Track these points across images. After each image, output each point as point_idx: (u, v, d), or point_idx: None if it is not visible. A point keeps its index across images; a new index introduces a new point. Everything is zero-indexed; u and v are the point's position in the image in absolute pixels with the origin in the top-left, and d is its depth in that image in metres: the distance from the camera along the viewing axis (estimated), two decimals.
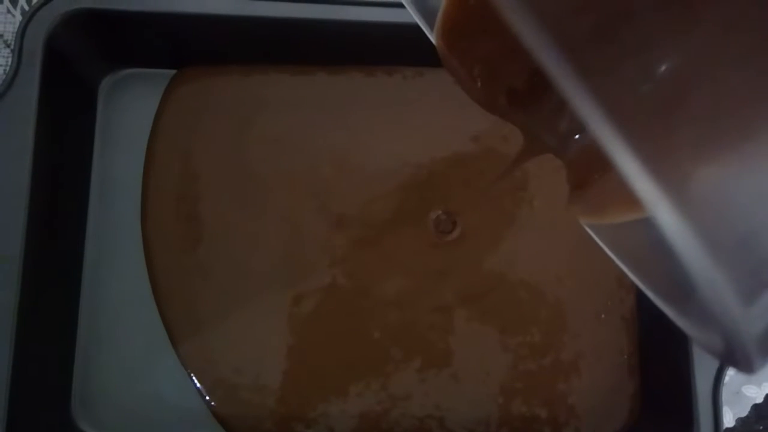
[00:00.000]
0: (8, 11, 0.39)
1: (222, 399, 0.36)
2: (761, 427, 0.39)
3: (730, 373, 0.38)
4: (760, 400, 0.39)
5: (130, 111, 0.39)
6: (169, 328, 0.37)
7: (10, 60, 0.33)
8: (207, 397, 0.36)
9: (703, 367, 0.34)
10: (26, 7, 0.39)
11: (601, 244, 0.21)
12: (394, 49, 0.38)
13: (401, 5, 0.22)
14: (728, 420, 0.38)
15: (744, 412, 0.39)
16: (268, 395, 0.36)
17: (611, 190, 0.20)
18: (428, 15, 0.21)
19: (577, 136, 0.22)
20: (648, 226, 0.20)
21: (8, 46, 0.39)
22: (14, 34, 0.33)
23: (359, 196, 0.39)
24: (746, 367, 0.14)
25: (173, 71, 0.40)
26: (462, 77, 0.22)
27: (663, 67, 0.13)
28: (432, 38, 0.21)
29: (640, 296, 0.39)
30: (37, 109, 0.33)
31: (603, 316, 0.38)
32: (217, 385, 0.36)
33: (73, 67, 0.37)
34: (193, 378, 0.36)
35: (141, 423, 0.36)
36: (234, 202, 0.38)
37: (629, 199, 0.20)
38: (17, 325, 0.31)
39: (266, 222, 0.38)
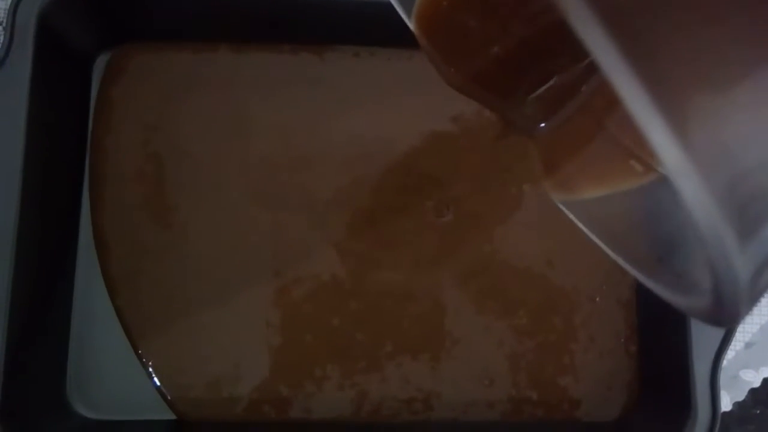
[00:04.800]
0: None
1: (183, 389, 0.36)
2: (758, 411, 0.39)
3: (728, 358, 0.38)
4: (757, 384, 0.39)
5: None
6: (124, 323, 0.36)
7: (2, 38, 0.32)
8: (166, 392, 0.36)
9: (701, 352, 0.33)
10: None
11: (573, 218, 0.22)
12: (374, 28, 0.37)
13: None
14: (725, 404, 0.38)
15: (741, 397, 0.39)
16: (235, 382, 0.36)
17: (582, 167, 0.22)
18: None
19: (543, 124, 0.23)
20: (618, 198, 0.21)
21: (0, 23, 0.38)
22: (6, 12, 0.32)
23: (333, 180, 0.38)
24: (731, 317, 0.15)
25: (173, 46, 0.39)
26: (438, 61, 0.22)
27: None
28: (408, 22, 0.22)
29: (638, 280, 0.38)
30: (30, 87, 0.32)
31: (598, 299, 0.38)
32: (179, 376, 0.36)
33: (68, 44, 0.36)
34: (150, 369, 0.36)
35: (136, 405, 0.36)
36: (194, 187, 0.37)
37: (599, 174, 0.21)
38: (11, 306, 0.31)
39: (226, 209, 0.37)
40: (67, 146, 0.37)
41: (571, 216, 0.22)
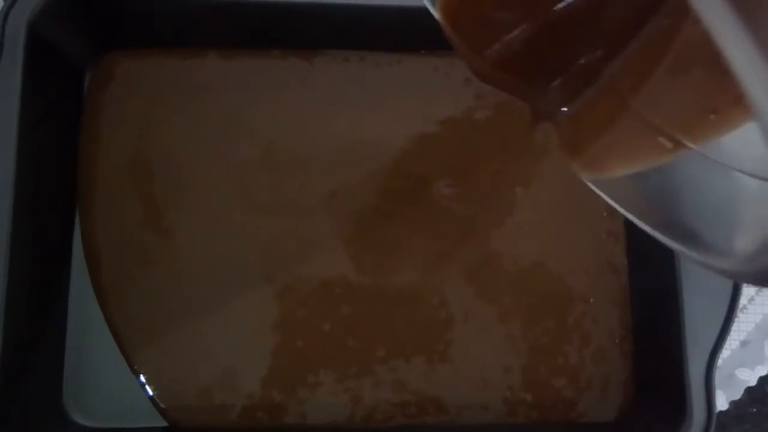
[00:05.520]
0: None
1: (176, 397, 0.36)
2: (755, 410, 0.39)
3: (724, 357, 0.38)
4: (753, 383, 0.39)
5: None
6: (115, 333, 0.36)
7: None
8: (159, 401, 0.36)
9: (695, 351, 0.33)
10: None
11: (605, 197, 0.22)
12: (368, 33, 0.38)
13: None
14: (721, 403, 0.38)
15: (737, 396, 0.39)
16: (228, 389, 0.36)
17: (610, 147, 0.22)
18: None
19: (565, 108, 0.23)
20: (649, 174, 0.21)
21: None
22: None
23: (323, 184, 0.38)
24: None
25: (162, 53, 0.39)
26: (463, 49, 0.23)
27: None
28: (433, 11, 0.22)
29: (632, 281, 0.38)
30: (21, 95, 0.32)
31: (591, 300, 0.38)
32: (171, 384, 0.36)
33: (59, 52, 0.36)
34: (142, 378, 0.36)
35: (131, 413, 0.36)
36: (183, 193, 0.37)
37: (628, 153, 0.21)
38: (6, 316, 0.31)
39: (216, 214, 0.37)
40: (60, 154, 0.37)
41: (603, 195, 0.22)
